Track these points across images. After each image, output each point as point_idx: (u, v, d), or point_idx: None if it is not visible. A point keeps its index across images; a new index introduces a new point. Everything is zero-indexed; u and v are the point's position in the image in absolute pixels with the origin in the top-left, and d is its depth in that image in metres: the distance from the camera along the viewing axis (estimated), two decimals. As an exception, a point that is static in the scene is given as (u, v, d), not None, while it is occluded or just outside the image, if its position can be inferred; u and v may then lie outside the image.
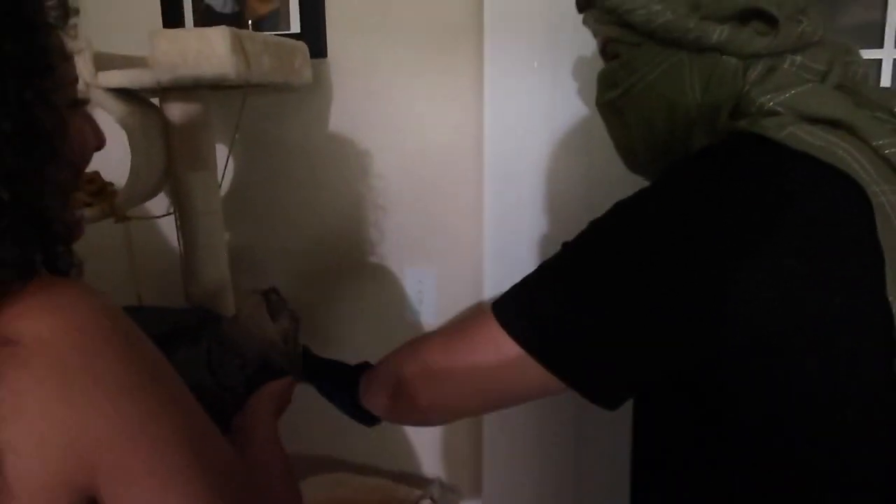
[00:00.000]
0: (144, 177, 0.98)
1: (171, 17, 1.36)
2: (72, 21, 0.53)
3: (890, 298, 0.53)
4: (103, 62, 1.00)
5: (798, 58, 0.62)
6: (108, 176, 1.09)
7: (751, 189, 0.56)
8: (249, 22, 1.34)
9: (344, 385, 0.82)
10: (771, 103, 0.60)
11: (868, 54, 1.26)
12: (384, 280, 1.35)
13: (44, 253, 0.48)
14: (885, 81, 1.24)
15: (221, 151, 1.27)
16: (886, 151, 0.56)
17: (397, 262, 1.34)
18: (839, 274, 0.54)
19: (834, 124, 0.58)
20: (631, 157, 0.77)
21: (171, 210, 1.11)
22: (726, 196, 0.56)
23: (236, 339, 0.82)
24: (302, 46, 1.18)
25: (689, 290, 0.55)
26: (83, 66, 0.92)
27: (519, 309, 0.63)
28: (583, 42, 1.14)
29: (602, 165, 1.17)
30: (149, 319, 0.98)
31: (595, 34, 0.75)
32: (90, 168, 1.10)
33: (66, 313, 0.44)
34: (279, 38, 1.11)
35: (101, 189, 0.99)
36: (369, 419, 0.81)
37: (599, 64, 1.14)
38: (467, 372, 0.65)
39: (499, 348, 0.62)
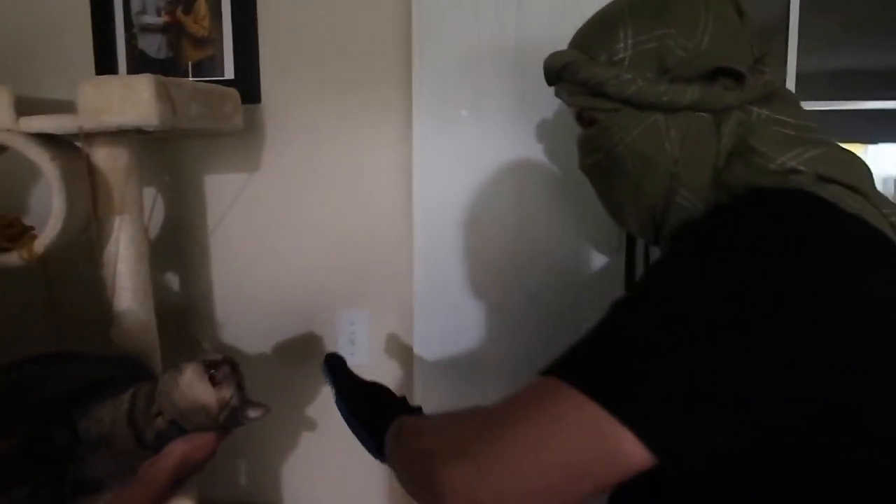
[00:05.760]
0: (67, 221, 0.97)
1: (104, 63, 1.36)
2: None
3: None
4: (29, 107, 1.00)
5: (763, 112, 0.66)
6: (30, 220, 1.08)
7: (822, 249, 0.54)
8: (190, 64, 1.36)
9: (374, 426, 0.76)
10: (793, 162, 0.62)
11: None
12: (317, 322, 1.36)
13: None
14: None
15: (151, 195, 1.28)
16: (892, 219, 0.59)
17: (330, 304, 1.35)
18: None
19: (852, 189, 0.60)
20: (619, 214, 0.78)
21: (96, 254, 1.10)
22: (799, 258, 0.53)
23: (165, 397, 0.82)
24: (233, 93, 1.20)
25: (753, 354, 0.50)
26: (2, 111, 0.92)
27: (594, 371, 0.53)
28: (506, 91, 1.20)
29: (528, 210, 1.22)
30: (80, 367, 0.97)
31: (568, 104, 0.78)
32: (10, 210, 1.09)
33: None
34: (209, 84, 1.13)
35: (20, 233, 0.98)
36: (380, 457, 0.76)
37: (523, 111, 1.20)
38: (553, 448, 0.52)
39: (582, 414, 0.51)
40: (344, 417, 0.81)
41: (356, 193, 1.32)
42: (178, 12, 1.35)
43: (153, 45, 1.36)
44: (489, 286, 1.24)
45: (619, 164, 0.72)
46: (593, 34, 0.73)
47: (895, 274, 0.55)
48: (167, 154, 1.36)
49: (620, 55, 0.69)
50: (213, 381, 0.82)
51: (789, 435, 0.53)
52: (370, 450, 0.77)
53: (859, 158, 0.66)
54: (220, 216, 1.36)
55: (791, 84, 1.35)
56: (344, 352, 1.33)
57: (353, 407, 0.81)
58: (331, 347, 1.35)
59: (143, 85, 0.94)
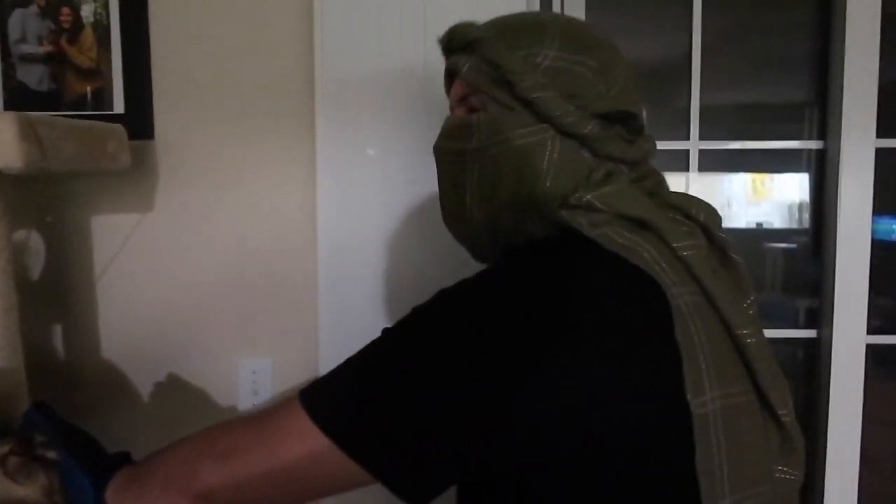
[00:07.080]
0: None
1: (-23, 95, 1.25)
2: None
3: (689, 398, 0.54)
4: None
5: (631, 173, 0.67)
6: None
7: (557, 295, 0.55)
8: (76, 98, 1.26)
9: (94, 469, 0.69)
10: (588, 196, 0.62)
11: (676, 145, 1.38)
12: (218, 372, 1.27)
13: None
14: (693, 169, 1.34)
15: (31, 238, 1.17)
16: (683, 253, 0.59)
17: (231, 352, 1.27)
18: (639, 377, 0.54)
19: (642, 224, 0.61)
20: (458, 221, 0.73)
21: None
22: (534, 303, 0.55)
23: None
24: (118, 129, 1.12)
25: (484, 394, 0.54)
26: None
27: (328, 396, 0.59)
28: (413, 129, 1.17)
29: (437, 253, 1.18)
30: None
31: (461, 79, 0.70)
32: None
33: None
34: (88, 122, 1.04)
35: None
36: None
37: (430, 148, 1.17)
38: (271, 466, 0.58)
39: (304, 438, 0.57)
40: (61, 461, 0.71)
41: (257, 235, 1.25)
42: (63, 41, 1.26)
43: (34, 77, 1.26)
44: (399, 330, 1.19)
45: (488, 161, 0.67)
46: (520, 27, 0.68)
47: (630, 310, 0.56)
48: (48, 193, 1.25)
49: (538, 59, 0.65)
50: (14, 474, 0.69)
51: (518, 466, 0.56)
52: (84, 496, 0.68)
53: (662, 197, 0.67)
54: (109, 260, 1.26)
55: (695, 119, 1.38)
56: (246, 403, 1.26)
57: (73, 451, 0.72)
58: (232, 399, 1.26)
59: (5, 124, 0.85)
